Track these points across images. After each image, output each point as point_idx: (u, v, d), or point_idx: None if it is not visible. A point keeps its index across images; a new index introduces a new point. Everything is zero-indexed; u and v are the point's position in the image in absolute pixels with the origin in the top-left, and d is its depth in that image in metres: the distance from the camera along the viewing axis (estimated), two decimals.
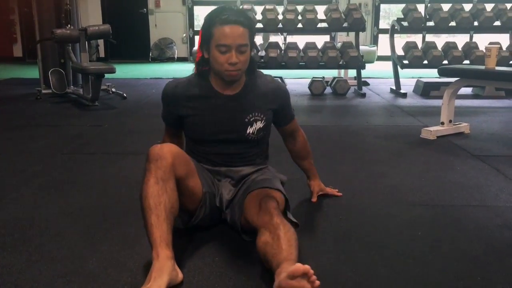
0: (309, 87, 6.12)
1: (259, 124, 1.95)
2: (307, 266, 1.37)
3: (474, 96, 5.89)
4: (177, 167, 1.72)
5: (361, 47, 6.98)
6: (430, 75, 6.61)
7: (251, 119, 1.93)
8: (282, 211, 1.82)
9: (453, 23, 6.03)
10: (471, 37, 6.40)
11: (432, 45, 6.08)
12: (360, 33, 6.30)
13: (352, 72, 6.66)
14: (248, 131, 1.94)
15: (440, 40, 6.43)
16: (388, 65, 6.65)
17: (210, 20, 1.79)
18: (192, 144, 2.04)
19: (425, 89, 5.99)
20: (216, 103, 1.91)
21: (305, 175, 2.35)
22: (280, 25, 6.05)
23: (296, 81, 6.87)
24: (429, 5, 6.16)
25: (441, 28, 6.08)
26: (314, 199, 2.30)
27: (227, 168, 2.00)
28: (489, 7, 6.10)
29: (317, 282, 1.37)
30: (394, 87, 6.20)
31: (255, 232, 1.68)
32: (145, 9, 11.22)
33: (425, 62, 6.01)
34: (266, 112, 1.97)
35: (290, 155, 2.28)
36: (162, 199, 1.62)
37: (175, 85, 1.96)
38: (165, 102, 2.01)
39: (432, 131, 3.67)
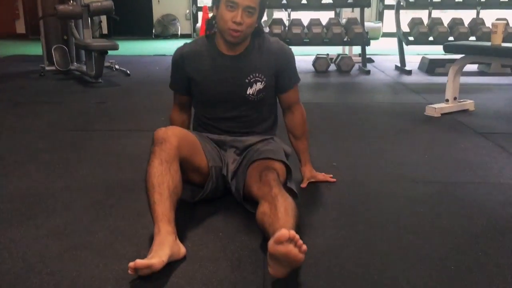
0: (313, 64, 6.08)
1: (259, 85, 1.97)
2: (292, 232, 1.35)
3: (480, 73, 5.84)
4: (182, 149, 1.76)
5: (366, 24, 6.91)
6: (436, 52, 6.55)
7: (251, 80, 1.96)
8: (283, 181, 1.85)
9: None
10: (477, 13, 6.30)
11: (438, 21, 6.01)
12: (365, 9, 6.23)
13: (356, 49, 6.61)
14: (248, 92, 1.97)
15: (446, 16, 6.34)
16: (393, 41, 6.59)
17: None
18: (199, 109, 2.10)
19: (430, 66, 5.94)
20: (218, 63, 1.96)
21: (298, 159, 2.26)
22: (284, 1, 5.98)
23: (300, 58, 6.81)
24: None
25: (447, 4, 6.01)
26: (303, 185, 2.21)
27: (232, 138, 2.04)
28: None
29: (304, 246, 1.36)
30: (399, 64, 6.15)
31: (256, 203, 1.71)
32: None
33: (431, 38, 5.96)
34: (267, 73, 1.98)
35: (287, 133, 2.23)
36: (165, 178, 1.64)
37: (183, 47, 2.04)
38: (174, 65, 2.06)
39: (436, 108, 3.66)
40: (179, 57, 2.02)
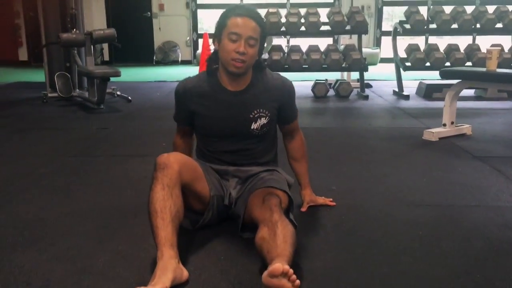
0: (312, 90, 6.16)
1: (263, 120, 2.00)
2: (286, 267, 1.41)
3: (477, 97, 5.91)
4: (183, 174, 1.79)
5: (364, 50, 7.02)
6: (433, 77, 6.63)
7: (256, 115, 1.99)
8: (285, 209, 1.87)
9: (455, 26, 6.06)
10: (473, 39, 6.42)
11: (435, 47, 6.11)
12: (363, 35, 6.34)
13: (355, 75, 6.70)
14: (252, 127, 1.99)
15: (442, 42, 6.45)
16: (391, 67, 6.69)
17: (226, 12, 1.89)
18: (202, 142, 2.11)
19: (428, 91, 6.02)
20: (222, 99, 1.97)
21: (298, 182, 2.28)
22: (283, 28, 6.09)
23: (299, 83, 6.88)
24: (431, 7, 6.19)
25: (443, 30, 6.11)
26: (304, 209, 2.24)
27: (235, 168, 2.06)
28: (491, 9, 6.12)
29: (297, 282, 1.42)
30: (396, 89, 6.23)
31: (255, 229, 1.73)
32: (149, 13, 11.29)
33: (428, 64, 6.05)
34: (271, 108, 2.01)
35: (286, 156, 2.26)
36: (167, 203, 1.68)
37: (186, 82, 2.04)
38: (177, 99, 2.06)
39: (434, 132, 3.70)
40: (182, 91, 2.02)
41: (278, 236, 1.58)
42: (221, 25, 1.87)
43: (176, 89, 2.05)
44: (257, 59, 1.94)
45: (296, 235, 1.66)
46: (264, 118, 2.00)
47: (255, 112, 1.99)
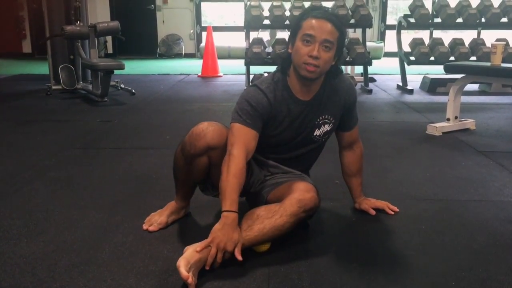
0: None
1: (326, 127, 1.94)
2: (185, 274, 1.50)
3: (481, 92, 5.89)
4: (212, 155, 1.82)
5: (368, 43, 7.00)
6: (437, 71, 6.62)
7: (321, 122, 1.92)
8: (309, 216, 1.81)
9: (460, 20, 6.04)
10: (478, 34, 6.38)
11: (439, 42, 6.09)
12: (367, 29, 6.32)
13: (359, 68, 6.69)
14: (315, 133, 1.93)
15: (447, 36, 6.43)
16: (395, 61, 6.66)
17: (302, 14, 1.79)
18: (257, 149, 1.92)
19: (432, 86, 6.00)
20: (293, 109, 1.86)
21: (351, 194, 2.21)
22: (287, 22, 6.08)
23: None
24: (436, 1, 6.17)
25: (448, 24, 6.09)
26: (372, 213, 2.14)
27: (275, 164, 1.98)
28: (496, 3, 6.09)
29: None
30: (400, 83, 6.22)
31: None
32: (152, 6, 11.27)
33: (432, 58, 6.02)
34: (336, 114, 1.94)
35: (341, 169, 2.18)
36: (188, 177, 1.92)
37: (265, 90, 1.83)
38: (259, 108, 1.81)
39: (437, 127, 3.70)
40: (266, 103, 1.81)
41: (258, 220, 1.69)
42: (296, 27, 1.76)
43: (257, 98, 1.81)
44: (333, 65, 1.82)
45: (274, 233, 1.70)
46: (328, 125, 1.93)
47: (321, 118, 1.91)
